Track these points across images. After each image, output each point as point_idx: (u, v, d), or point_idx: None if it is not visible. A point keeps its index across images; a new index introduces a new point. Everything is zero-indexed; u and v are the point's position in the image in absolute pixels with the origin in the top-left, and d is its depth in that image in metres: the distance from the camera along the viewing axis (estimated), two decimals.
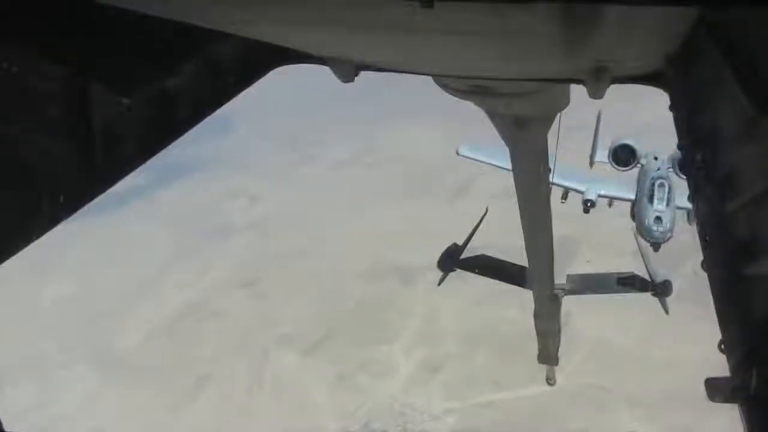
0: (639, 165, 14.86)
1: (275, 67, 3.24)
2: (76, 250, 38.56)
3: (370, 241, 33.00)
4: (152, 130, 2.63)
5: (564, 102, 3.49)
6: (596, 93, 2.54)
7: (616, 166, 14.94)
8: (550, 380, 13.68)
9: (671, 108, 2.60)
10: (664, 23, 1.94)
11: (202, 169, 45.21)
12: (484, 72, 2.65)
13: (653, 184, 13.83)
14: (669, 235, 13.31)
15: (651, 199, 13.60)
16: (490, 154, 16.34)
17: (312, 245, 34.46)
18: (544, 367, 27.05)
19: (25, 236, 2.09)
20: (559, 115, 3.99)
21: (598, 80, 2.32)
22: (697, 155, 2.18)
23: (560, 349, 27.83)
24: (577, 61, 2.22)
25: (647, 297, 11.95)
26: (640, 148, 14.95)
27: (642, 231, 13.47)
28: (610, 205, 16.05)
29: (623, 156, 14.76)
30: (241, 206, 41.04)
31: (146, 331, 32.62)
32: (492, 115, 3.57)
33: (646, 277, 11.95)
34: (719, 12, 1.80)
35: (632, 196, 14.43)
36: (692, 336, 21.57)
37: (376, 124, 42.07)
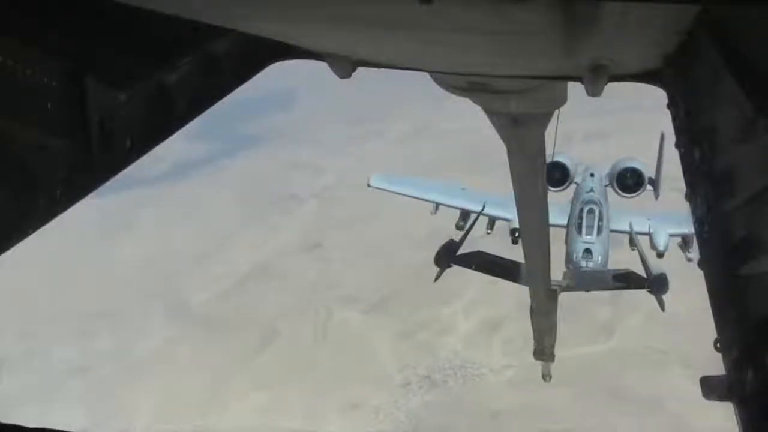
0: (575, 184, 13.12)
1: (273, 63, 3.25)
2: (150, 213, 40.89)
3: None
4: (150, 124, 2.60)
5: (562, 99, 3.45)
6: (594, 91, 2.47)
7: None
8: (545, 377, 12.83)
9: (669, 106, 2.60)
10: (662, 21, 1.92)
11: (266, 141, 47.03)
12: (481, 69, 2.63)
13: (582, 210, 12.07)
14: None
15: (579, 229, 11.83)
16: (401, 183, 15.61)
17: (374, 214, 35.63)
18: (602, 328, 27.92)
19: (22, 230, 2.06)
20: (557, 112, 4.07)
21: (595, 78, 2.27)
22: (695, 154, 2.18)
23: (617, 312, 28.40)
24: (575, 58, 2.17)
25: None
26: (573, 164, 13.10)
27: (570, 265, 11.60)
28: None
29: (555, 175, 12.65)
30: (304, 176, 42.60)
31: (217, 289, 34.57)
32: (489, 112, 3.54)
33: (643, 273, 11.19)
34: (718, 10, 1.80)
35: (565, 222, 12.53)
36: None
37: (437, 101, 43.08)
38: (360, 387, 27.27)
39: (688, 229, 12.43)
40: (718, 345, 1.91)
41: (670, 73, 2.49)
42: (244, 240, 37.68)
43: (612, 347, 26.59)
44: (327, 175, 42.02)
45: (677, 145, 2.43)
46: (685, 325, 25.35)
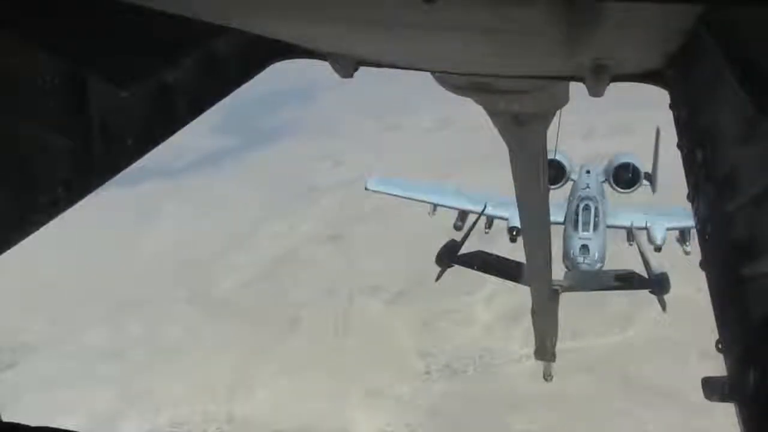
0: (572, 181, 13.13)
1: (274, 62, 3.23)
2: (175, 205, 41.64)
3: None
4: (151, 123, 2.59)
5: (564, 99, 3.44)
6: (596, 91, 2.48)
7: None
8: (547, 377, 13.02)
9: (672, 107, 2.58)
10: (664, 21, 1.92)
11: (289, 134, 47.58)
12: (483, 69, 2.63)
13: (578, 207, 12.00)
14: (599, 265, 11.46)
15: (576, 225, 11.73)
16: (398, 185, 15.69)
17: (396, 205, 35.92)
18: (620, 320, 28.09)
19: (23, 228, 2.06)
20: (558, 112, 4.05)
21: (597, 78, 2.27)
22: (698, 154, 2.16)
23: (635, 304, 28.50)
24: (576, 58, 2.17)
25: None
26: (569, 162, 13.06)
27: (567, 262, 11.55)
28: None
29: (551, 172, 12.18)
30: (326, 169, 43.19)
31: (241, 278, 35.24)
32: (491, 112, 3.54)
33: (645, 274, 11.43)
34: (720, 10, 1.78)
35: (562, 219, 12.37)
36: None
37: (457, 95, 43.30)
38: (381, 375, 27.78)
39: (685, 222, 12.56)
40: (720, 345, 1.92)
41: (672, 74, 2.50)
42: (268, 231, 38.33)
43: (629, 338, 26.87)
44: (349, 166, 42.43)
45: (679, 146, 2.42)
46: (702, 316, 25.49)
